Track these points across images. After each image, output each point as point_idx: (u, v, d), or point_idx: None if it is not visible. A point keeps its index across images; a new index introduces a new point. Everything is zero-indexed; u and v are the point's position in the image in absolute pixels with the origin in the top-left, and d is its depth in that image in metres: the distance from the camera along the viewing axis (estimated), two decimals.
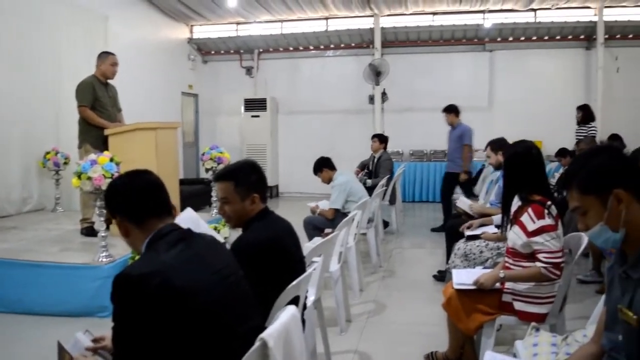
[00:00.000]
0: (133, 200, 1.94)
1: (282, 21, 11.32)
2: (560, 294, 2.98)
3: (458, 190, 8.08)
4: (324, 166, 5.99)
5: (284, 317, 1.85)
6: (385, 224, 7.64)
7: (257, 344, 1.66)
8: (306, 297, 3.06)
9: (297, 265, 2.64)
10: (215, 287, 1.83)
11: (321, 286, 3.42)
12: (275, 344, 1.70)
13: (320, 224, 5.65)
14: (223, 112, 12.01)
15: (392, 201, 7.76)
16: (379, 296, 5.02)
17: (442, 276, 5.16)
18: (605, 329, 1.84)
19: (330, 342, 3.61)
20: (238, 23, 11.52)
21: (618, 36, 10.61)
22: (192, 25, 11.64)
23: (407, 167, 10.14)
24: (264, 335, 1.68)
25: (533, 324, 2.60)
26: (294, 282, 2.32)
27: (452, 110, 7.86)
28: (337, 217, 5.54)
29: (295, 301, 2.40)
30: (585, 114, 8.24)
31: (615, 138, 9.08)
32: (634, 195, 1.65)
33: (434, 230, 7.84)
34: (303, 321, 2.74)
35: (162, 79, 10.18)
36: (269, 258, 2.41)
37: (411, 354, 3.64)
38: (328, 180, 5.95)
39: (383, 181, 6.91)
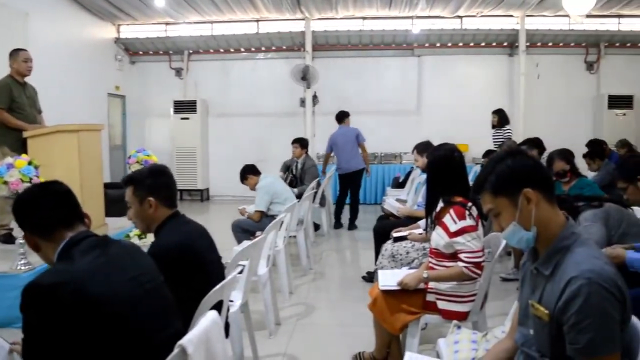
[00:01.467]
0: (40, 215, 1.89)
1: (212, 22, 11.19)
2: (481, 292, 3.08)
3: (389, 191, 8.24)
4: (248, 173, 5.95)
5: (204, 322, 1.82)
6: (316, 227, 7.68)
7: (175, 350, 1.63)
8: (232, 301, 3.04)
9: (212, 267, 2.60)
10: (132, 294, 1.78)
11: (248, 290, 3.39)
12: (195, 350, 1.67)
13: (249, 227, 5.60)
14: (152, 114, 11.72)
15: (323, 203, 7.81)
16: (308, 298, 5.03)
17: (371, 277, 5.21)
18: (518, 324, 1.91)
19: (259, 345, 3.60)
20: (167, 23, 11.30)
21: (539, 44, 11.12)
22: (119, 25, 11.32)
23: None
24: (183, 341, 1.65)
25: (455, 322, 2.67)
26: (217, 287, 2.29)
27: (336, 117, 8.48)
28: (264, 219, 5.52)
29: (219, 305, 2.37)
30: (501, 118, 8.61)
31: (536, 141, 9.50)
32: (542, 194, 1.73)
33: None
34: (227, 326, 2.72)
35: (86, 79, 9.84)
36: (181, 261, 2.39)
37: (339, 355, 3.66)
38: (255, 186, 5.90)
39: (313, 184, 6.93)
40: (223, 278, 2.50)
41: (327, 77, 10.84)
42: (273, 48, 11.53)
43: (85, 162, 5.39)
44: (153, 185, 2.55)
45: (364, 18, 10.97)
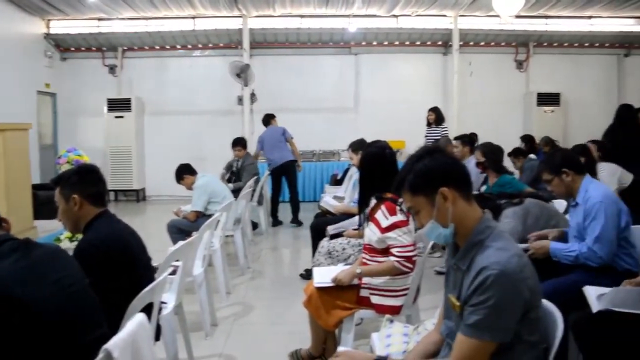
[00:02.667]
0: None
1: (147, 18, 10.94)
2: (413, 286, 3.14)
3: (327, 189, 8.29)
4: (184, 173, 5.83)
5: (131, 325, 1.79)
6: (254, 225, 7.65)
7: (100, 355, 1.60)
8: (165, 303, 3.00)
9: (142, 268, 2.56)
10: (55, 297, 1.75)
11: (182, 291, 3.35)
12: (121, 354, 1.64)
13: (185, 227, 5.49)
14: (85, 113, 11.33)
15: (261, 202, 7.79)
16: (246, 298, 5.01)
17: (309, 275, 5.21)
18: (444, 317, 1.97)
19: (196, 347, 3.55)
20: (100, 19, 10.96)
21: (471, 43, 11.46)
22: (48, 20, 10.90)
23: None
24: (108, 345, 1.62)
25: (387, 316, 2.71)
26: (147, 289, 2.25)
27: (262, 121, 8.79)
28: (200, 219, 5.44)
29: (150, 307, 2.34)
30: (438, 116, 8.82)
31: (472, 136, 9.82)
32: (458, 192, 1.79)
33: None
34: (159, 328, 2.68)
35: (13, 76, 9.40)
36: (109, 259, 2.34)
37: (276, 353, 3.65)
38: (191, 186, 5.80)
39: (250, 182, 6.89)
40: (153, 280, 2.46)
41: (265, 74, 10.81)
42: (210, 45, 11.41)
43: (12, 163, 5.20)
44: (78, 182, 2.51)
45: (301, 16, 10.99)
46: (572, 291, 2.83)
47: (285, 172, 8.33)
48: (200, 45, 11.41)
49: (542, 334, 1.78)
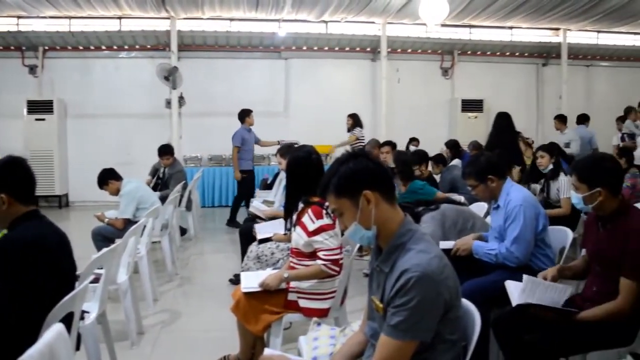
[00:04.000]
0: None
1: (70, 17, 10.54)
2: (340, 289, 3.19)
3: (258, 193, 8.27)
4: (108, 178, 5.60)
5: (47, 336, 1.73)
6: (183, 231, 7.51)
7: None
8: (87, 313, 2.91)
9: (65, 275, 2.45)
10: None
11: (105, 299, 3.25)
12: None
13: (110, 235, 5.29)
14: (2, 115, 10.75)
15: (189, 207, 7.66)
16: (174, 305, 4.92)
17: (238, 280, 5.10)
18: (368, 318, 2.01)
19: (120, 356, 3.47)
20: (19, 17, 10.48)
21: (399, 50, 11.74)
22: None
23: (205, 172, 10.10)
24: (23, 357, 1.56)
25: (315, 319, 2.75)
26: (67, 297, 2.18)
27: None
28: (128, 227, 5.29)
29: (71, 317, 2.27)
30: (355, 121, 9.02)
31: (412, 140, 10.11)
32: (381, 195, 1.84)
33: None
34: (80, 338, 2.60)
35: None
36: (31, 260, 2.23)
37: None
38: (116, 192, 5.56)
39: (178, 187, 6.76)
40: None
41: (194, 78, 10.66)
42: (137, 47, 11.14)
43: None
44: (6, 179, 2.38)
45: (231, 19, 10.91)
46: (492, 290, 2.96)
47: None
48: (126, 47, 11.12)
49: (462, 333, 1.85)
